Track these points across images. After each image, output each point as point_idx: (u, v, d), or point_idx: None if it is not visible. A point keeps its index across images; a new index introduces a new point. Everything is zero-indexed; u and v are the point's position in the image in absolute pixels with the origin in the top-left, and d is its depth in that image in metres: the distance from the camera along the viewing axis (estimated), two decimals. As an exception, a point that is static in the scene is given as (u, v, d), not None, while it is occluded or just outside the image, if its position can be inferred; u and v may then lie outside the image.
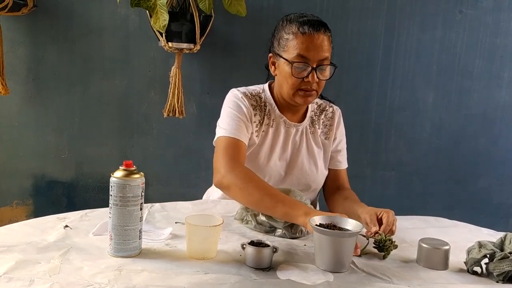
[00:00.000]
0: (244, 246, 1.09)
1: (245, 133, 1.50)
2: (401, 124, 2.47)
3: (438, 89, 2.44)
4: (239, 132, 1.47)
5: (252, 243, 1.09)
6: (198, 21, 2.11)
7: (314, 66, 1.44)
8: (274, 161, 1.58)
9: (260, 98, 1.59)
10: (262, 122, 1.56)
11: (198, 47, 2.18)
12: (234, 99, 1.55)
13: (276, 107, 1.58)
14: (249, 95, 1.57)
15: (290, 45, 1.45)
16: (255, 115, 1.55)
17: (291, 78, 1.46)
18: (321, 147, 1.64)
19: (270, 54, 1.55)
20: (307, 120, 1.62)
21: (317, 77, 1.45)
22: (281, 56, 1.48)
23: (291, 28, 1.46)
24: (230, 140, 1.46)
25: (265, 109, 1.58)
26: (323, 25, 1.46)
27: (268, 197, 1.29)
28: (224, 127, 1.49)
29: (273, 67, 1.55)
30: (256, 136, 1.56)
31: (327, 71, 1.48)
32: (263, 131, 1.57)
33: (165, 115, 2.26)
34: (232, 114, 1.51)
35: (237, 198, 1.38)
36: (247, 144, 1.51)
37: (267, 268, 1.06)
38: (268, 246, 1.08)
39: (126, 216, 1.06)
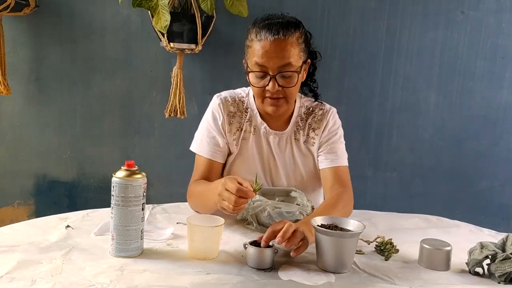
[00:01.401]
0: (246, 246, 1.09)
1: (220, 151, 1.50)
2: (403, 124, 2.47)
3: (440, 90, 2.43)
4: (212, 151, 1.49)
5: (254, 243, 1.09)
6: (200, 21, 2.11)
7: (273, 73, 1.35)
8: (257, 170, 1.52)
9: (243, 103, 1.54)
10: (242, 129, 1.51)
11: (199, 47, 2.18)
12: (211, 110, 1.53)
13: (258, 113, 1.52)
14: (230, 100, 1.52)
15: (249, 52, 1.40)
16: (230, 123, 1.50)
17: (253, 87, 1.42)
18: (307, 153, 1.54)
19: (244, 61, 1.49)
20: (291, 127, 1.53)
21: (279, 85, 1.36)
22: (246, 64, 1.44)
23: (251, 34, 1.40)
24: (203, 161, 1.50)
25: (246, 115, 1.52)
26: (286, 28, 1.35)
27: (202, 198, 1.38)
28: (200, 144, 1.51)
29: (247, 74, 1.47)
30: (236, 145, 1.51)
31: (292, 78, 1.38)
32: (243, 138, 1.51)
33: (167, 115, 2.26)
34: (206, 129, 1.52)
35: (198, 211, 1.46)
36: (220, 158, 1.51)
37: (269, 268, 1.06)
38: (270, 246, 1.08)
39: (127, 216, 1.06)
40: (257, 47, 1.36)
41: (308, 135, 1.54)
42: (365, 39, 2.39)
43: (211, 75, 2.39)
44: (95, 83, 2.38)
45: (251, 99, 1.54)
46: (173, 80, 2.24)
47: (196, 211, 1.46)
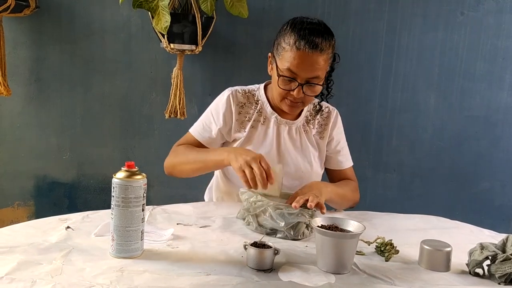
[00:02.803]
0: (246, 246, 1.09)
1: (210, 138, 1.60)
2: (403, 125, 2.47)
3: (440, 91, 2.43)
4: (203, 136, 1.60)
5: (254, 244, 1.09)
6: (200, 22, 2.11)
7: (302, 82, 1.44)
8: (265, 156, 1.58)
9: (253, 95, 1.63)
10: (251, 118, 1.60)
11: (200, 48, 2.18)
12: (218, 99, 1.63)
13: (268, 104, 1.61)
14: (241, 92, 1.61)
15: (284, 55, 1.45)
16: (239, 113, 1.59)
17: (277, 88, 1.49)
18: (316, 146, 1.65)
19: (269, 54, 1.56)
20: (301, 119, 1.63)
21: (304, 92, 1.46)
22: (276, 61, 1.49)
23: (290, 38, 1.44)
24: (192, 139, 1.62)
25: (257, 106, 1.61)
26: (323, 43, 1.43)
27: (197, 158, 1.51)
28: (196, 126, 1.64)
29: (270, 66, 1.57)
30: (242, 132, 1.59)
31: (316, 88, 1.49)
32: (252, 126, 1.59)
33: (167, 116, 2.26)
34: (207, 115, 1.62)
35: (181, 174, 1.59)
36: (208, 145, 1.61)
37: (269, 269, 1.06)
38: (270, 247, 1.08)
39: (128, 217, 1.06)
40: (293, 54, 1.43)
41: (318, 129, 1.65)
42: (365, 40, 2.39)
43: (211, 76, 2.39)
44: (95, 84, 2.38)
45: (262, 91, 1.63)
46: (173, 81, 2.24)
47: (169, 172, 1.61)
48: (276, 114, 1.60)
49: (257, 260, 1.06)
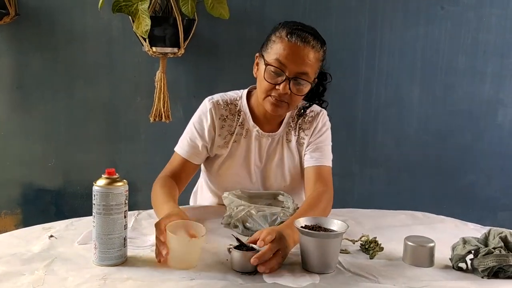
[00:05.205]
0: (231, 250, 1.09)
1: (197, 153, 1.53)
2: (388, 120, 2.48)
3: (423, 85, 2.45)
4: (189, 152, 1.52)
5: (238, 247, 1.09)
6: (181, 25, 2.10)
7: (290, 76, 1.38)
8: (248, 172, 1.55)
9: (235, 106, 1.55)
10: (234, 132, 1.53)
11: (182, 51, 2.17)
12: (200, 113, 1.54)
13: (250, 116, 1.54)
14: (221, 104, 1.53)
15: (273, 47, 1.40)
16: (222, 127, 1.52)
17: (264, 81, 1.41)
18: (296, 155, 1.57)
19: (257, 54, 1.49)
20: (282, 128, 1.56)
21: (290, 89, 1.38)
22: (263, 57, 1.43)
23: (281, 32, 1.40)
24: (179, 158, 1.53)
25: (239, 118, 1.54)
26: (316, 42, 1.40)
27: (155, 204, 1.41)
28: (180, 143, 1.55)
29: (256, 67, 1.49)
30: (226, 147, 1.53)
31: (304, 87, 1.42)
32: (234, 141, 1.53)
33: (152, 120, 2.25)
34: (191, 132, 1.54)
35: None
36: (196, 160, 1.53)
37: (254, 272, 1.06)
38: (254, 249, 1.08)
39: (110, 225, 1.05)
40: (284, 46, 1.39)
41: (299, 135, 1.57)
42: (347, 37, 2.40)
43: (195, 78, 2.38)
44: (78, 89, 2.36)
45: (244, 101, 1.55)
46: (157, 84, 2.23)
47: None
48: (257, 128, 1.53)
49: (242, 263, 1.06)
